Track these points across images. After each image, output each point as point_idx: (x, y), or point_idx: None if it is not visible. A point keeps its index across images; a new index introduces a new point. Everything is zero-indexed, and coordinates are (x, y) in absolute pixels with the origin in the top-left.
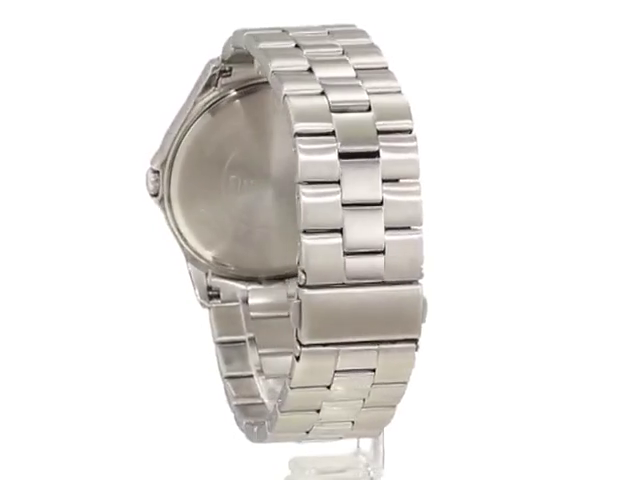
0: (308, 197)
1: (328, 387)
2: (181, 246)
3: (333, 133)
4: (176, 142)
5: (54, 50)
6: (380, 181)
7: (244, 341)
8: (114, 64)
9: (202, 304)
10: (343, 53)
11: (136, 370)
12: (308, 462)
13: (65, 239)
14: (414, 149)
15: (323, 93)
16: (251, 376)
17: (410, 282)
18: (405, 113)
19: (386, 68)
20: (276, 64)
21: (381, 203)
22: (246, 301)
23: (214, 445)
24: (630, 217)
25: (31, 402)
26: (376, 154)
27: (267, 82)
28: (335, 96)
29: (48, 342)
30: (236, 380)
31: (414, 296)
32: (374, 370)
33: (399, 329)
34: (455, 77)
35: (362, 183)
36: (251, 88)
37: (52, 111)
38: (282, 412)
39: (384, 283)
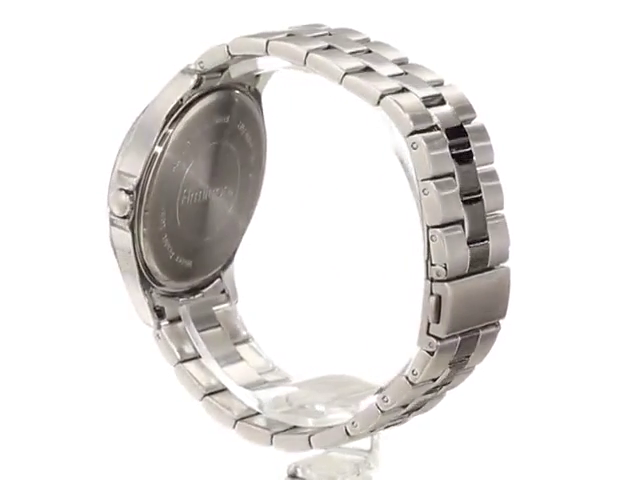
0: (441, 190)
1: (434, 380)
2: (136, 265)
3: (438, 127)
4: (150, 160)
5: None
6: (477, 170)
7: (200, 356)
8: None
9: (156, 325)
10: (369, 51)
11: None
12: (306, 464)
13: None
14: (487, 135)
15: (405, 89)
16: (225, 389)
17: (500, 264)
18: (468, 102)
19: (407, 62)
20: (345, 65)
21: (480, 191)
22: (188, 316)
23: (213, 449)
24: None
25: None
26: (468, 144)
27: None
28: (418, 92)
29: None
30: (218, 395)
31: (507, 276)
32: (469, 356)
33: (495, 311)
34: None
35: (467, 174)
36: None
37: None
38: (383, 413)
39: (488, 268)
